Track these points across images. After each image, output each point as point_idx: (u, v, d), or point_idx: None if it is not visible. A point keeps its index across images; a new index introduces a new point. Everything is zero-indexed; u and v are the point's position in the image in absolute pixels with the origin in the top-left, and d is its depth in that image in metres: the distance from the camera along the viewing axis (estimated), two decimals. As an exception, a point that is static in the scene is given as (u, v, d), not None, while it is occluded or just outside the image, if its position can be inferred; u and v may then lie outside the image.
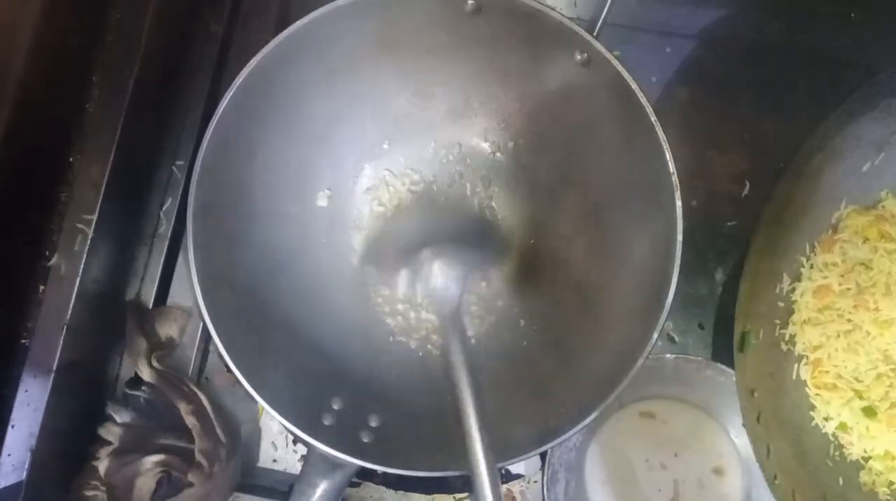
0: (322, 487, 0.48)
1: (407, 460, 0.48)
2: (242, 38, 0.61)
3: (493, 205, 0.58)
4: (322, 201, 0.57)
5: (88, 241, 0.54)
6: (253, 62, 0.46)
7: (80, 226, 0.54)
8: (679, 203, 0.45)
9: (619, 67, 0.46)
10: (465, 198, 0.58)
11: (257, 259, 0.52)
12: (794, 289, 0.56)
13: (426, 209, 0.58)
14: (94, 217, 0.54)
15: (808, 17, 0.63)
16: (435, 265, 0.52)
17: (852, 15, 0.63)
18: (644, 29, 0.64)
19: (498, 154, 0.58)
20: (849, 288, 0.54)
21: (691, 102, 0.63)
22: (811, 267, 0.55)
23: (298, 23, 0.46)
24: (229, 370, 0.47)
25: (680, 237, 0.45)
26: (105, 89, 0.56)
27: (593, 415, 0.46)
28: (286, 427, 0.47)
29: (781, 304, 0.55)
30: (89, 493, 0.55)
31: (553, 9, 0.46)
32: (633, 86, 0.46)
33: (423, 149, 0.58)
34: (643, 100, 0.46)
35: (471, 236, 0.58)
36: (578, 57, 0.47)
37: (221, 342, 0.46)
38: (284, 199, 0.54)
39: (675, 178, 0.45)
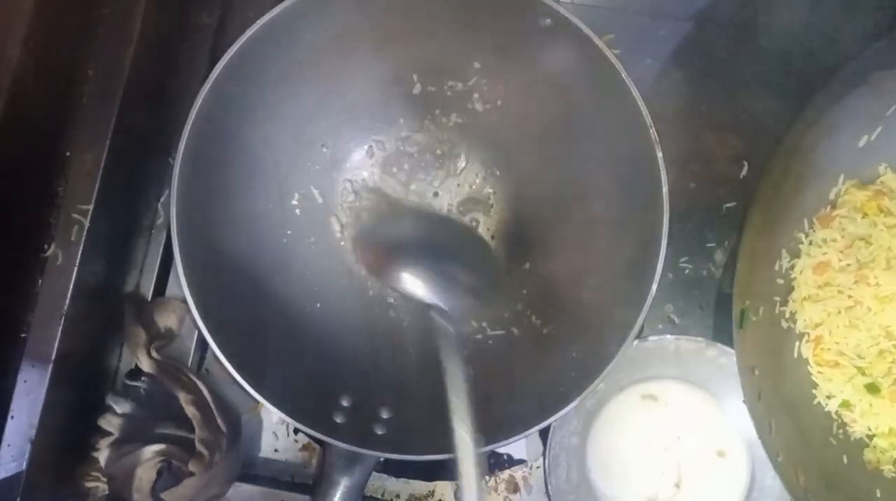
0: (343, 484, 0.49)
1: (422, 446, 0.48)
2: (235, 28, 0.61)
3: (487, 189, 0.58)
4: (302, 201, 0.57)
5: (85, 232, 0.54)
6: (215, 71, 0.47)
7: (76, 216, 0.54)
8: (660, 154, 0.45)
9: (582, 26, 0.46)
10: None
11: (247, 265, 0.53)
12: (793, 266, 0.55)
13: (407, 211, 0.59)
14: (91, 207, 0.54)
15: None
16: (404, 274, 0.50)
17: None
18: (638, 12, 0.63)
19: (480, 133, 0.58)
20: (849, 264, 0.54)
21: (687, 84, 0.63)
22: (810, 243, 0.55)
23: (260, 21, 0.47)
24: (236, 382, 0.47)
25: (665, 189, 0.45)
26: (99, 82, 0.56)
27: (583, 395, 0.46)
28: (305, 432, 0.48)
29: (781, 281, 0.55)
30: (90, 484, 0.55)
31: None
32: (598, 43, 0.46)
33: (398, 137, 0.58)
34: (610, 56, 0.46)
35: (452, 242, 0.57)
36: (543, 23, 0.47)
37: (224, 354, 0.47)
38: (266, 201, 0.55)
39: (653, 132, 0.45)
